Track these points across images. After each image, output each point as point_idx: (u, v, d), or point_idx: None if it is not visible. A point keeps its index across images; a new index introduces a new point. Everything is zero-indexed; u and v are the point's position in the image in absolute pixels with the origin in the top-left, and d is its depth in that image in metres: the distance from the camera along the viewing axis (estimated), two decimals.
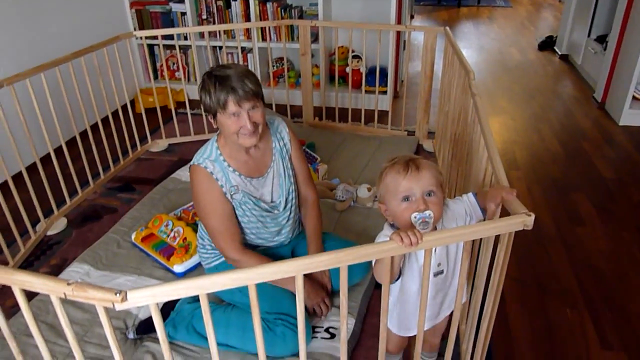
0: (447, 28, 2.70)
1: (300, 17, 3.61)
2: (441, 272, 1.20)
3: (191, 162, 1.66)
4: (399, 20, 3.63)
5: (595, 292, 1.97)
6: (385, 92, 3.54)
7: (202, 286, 0.90)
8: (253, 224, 1.74)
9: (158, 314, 0.92)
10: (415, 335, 1.35)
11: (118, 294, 0.86)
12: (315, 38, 3.49)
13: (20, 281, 0.92)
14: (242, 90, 1.48)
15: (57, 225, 2.38)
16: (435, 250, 1.16)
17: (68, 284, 0.89)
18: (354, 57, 3.56)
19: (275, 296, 1.65)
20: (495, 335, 1.77)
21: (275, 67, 3.78)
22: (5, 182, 2.12)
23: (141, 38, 2.92)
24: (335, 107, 3.27)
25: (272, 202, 1.75)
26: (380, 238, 1.16)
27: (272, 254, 1.78)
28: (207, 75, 1.55)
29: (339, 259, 0.97)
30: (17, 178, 2.20)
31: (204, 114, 1.67)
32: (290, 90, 3.55)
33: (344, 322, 1.07)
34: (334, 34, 3.30)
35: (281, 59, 3.79)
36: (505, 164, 2.92)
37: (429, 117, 3.08)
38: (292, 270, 0.95)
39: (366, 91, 3.37)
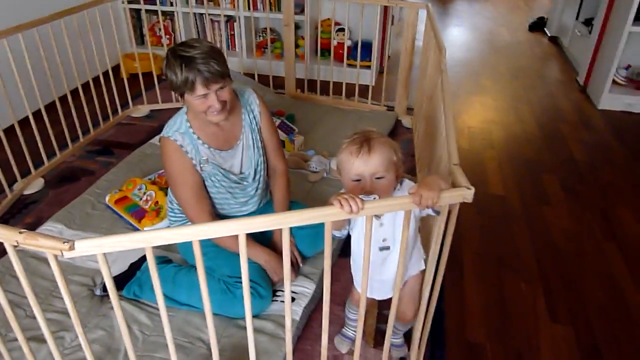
0: (429, 5, 2.70)
1: None
2: (387, 247, 1.25)
3: (161, 134, 1.68)
4: None
5: (551, 268, 2.05)
6: (369, 67, 3.54)
7: (147, 239, 0.95)
8: (222, 194, 1.78)
9: (105, 265, 0.97)
10: (387, 300, 1.41)
11: (66, 243, 0.91)
12: (301, 9, 3.48)
13: None
14: (209, 72, 1.47)
15: (34, 185, 2.42)
16: (381, 224, 1.22)
17: (20, 232, 0.94)
18: (339, 30, 3.56)
19: (237, 261, 1.69)
20: (449, 306, 1.85)
21: (260, 38, 3.77)
22: None
23: (124, 2, 2.92)
24: (317, 79, 3.29)
25: (241, 173, 1.79)
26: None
27: None
28: (171, 54, 1.51)
29: (280, 221, 1.02)
30: None
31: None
32: (275, 61, 3.56)
33: (287, 283, 1.13)
34: (316, 6, 3.28)
35: (271, 29, 3.78)
36: (481, 143, 2.98)
37: (408, 93, 3.11)
38: (234, 229, 1.00)
39: (350, 65, 3.38)
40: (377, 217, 1.24)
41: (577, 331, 1.77)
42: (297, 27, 3.65)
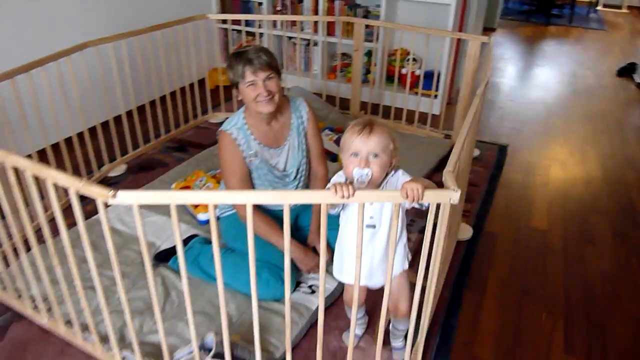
0: (491, 38, 2.80)
1: (365, 16, 3.82)
2: (373, 226, 1.38)
3: (220, 128, 1.95)
4: (460, 29, 3.74)
5: (579, 305, 2.03)
6: (429, 96, 3.63)
7: (173, 197, 1.18)
8: (265, 187, 2.00)
9: (139, 215, 1.20)
10: (380, 293, 1.52)
11: (111, 192, 1.16)
12: (376, 37, 3.69)
13: (52, 176, 1.26)
14: (257, 62, 1.74)
15: (118, 169, 2.81)
16: (371, 203, 1.35)
17: (80, 182, 1.21)
18: (410, 59, 3.72)
19: (267, 247, 1.90)
20: (462, 322, 1.90)
21: (334, 62, 4.03)
22: (82, 132, 2.58)
23: (216, 20, 3.32)
24: (380, 104, 3.47)
25: (284, 170, 2.01)
26: (333, 178, 1.39)
27: (277, 218, 2.03)
28: (231, 54, 1.83)
29: (283, 197, 1.20)
30: (92, 130, 2.66)
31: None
32: (344, 84, 3.79)
33: (287, 259, 1.29)
34: (388, 35, 3.46)
35: (344, 54, 4.05)
36: (536, 179, 2.97)
37: None
38: (243, 199, 1.19)
39: (416, 93, 3.53)
40: None
41: None
42: (370, 54, 3.87)
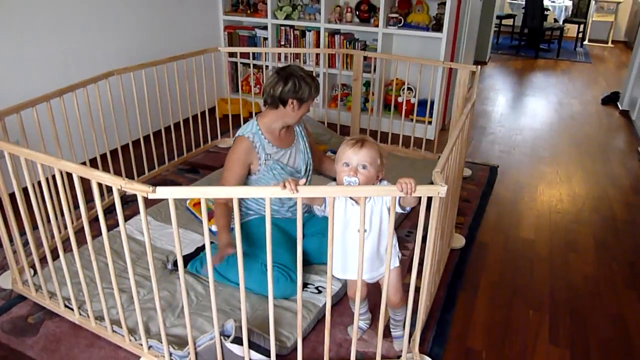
0: (478, 67, 3.07)
1: (363, 49, 4.12)
2: (364, 230, 1.57)
3: (238, 134, 2.20)
4: (451, 60, 4.03)
5: (563, 303, 2.21)
6: (423, 122, 3.89)
7: (204, 192, 1.39)
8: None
9: (173, 206, 1.41)
10: (376, 286, 1.70)
11: (150, 187, 1.37)
12: (374, 69, 3.97)
13: (96, 176, 1.48)
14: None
15: None
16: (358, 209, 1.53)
17: (123, 180, 1.43)
18: (406, 89, 4.00)
19: (276, 249, 2.09)
20: (456, 318, 2.08)
21: (335, 92, 4.31)
22: (105, 154, 2.81)
23: (225, 53, 3.60)
24: (378, 130, 3.72)
25: (295, 167, 2.27)
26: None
27: (282, 229, 2.24)
28: (299, 74, 2.11)
29: (263, 192, 1.41)
30: (114, 152, 2.90)
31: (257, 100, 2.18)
32: (345, 112, 4.05)
33: (300, 246, 1.49)
34: (384, 66, 3.74)
35: (344, 84, 4.33)
36: (524, 195, 3.19)
37: None
38: (264, 193, 1.40)
39: (412, 119, 3.79)
40: (358, 203, 1.55)
41: (574, 356, 1.92)
42: (368, 84, 4.16)
